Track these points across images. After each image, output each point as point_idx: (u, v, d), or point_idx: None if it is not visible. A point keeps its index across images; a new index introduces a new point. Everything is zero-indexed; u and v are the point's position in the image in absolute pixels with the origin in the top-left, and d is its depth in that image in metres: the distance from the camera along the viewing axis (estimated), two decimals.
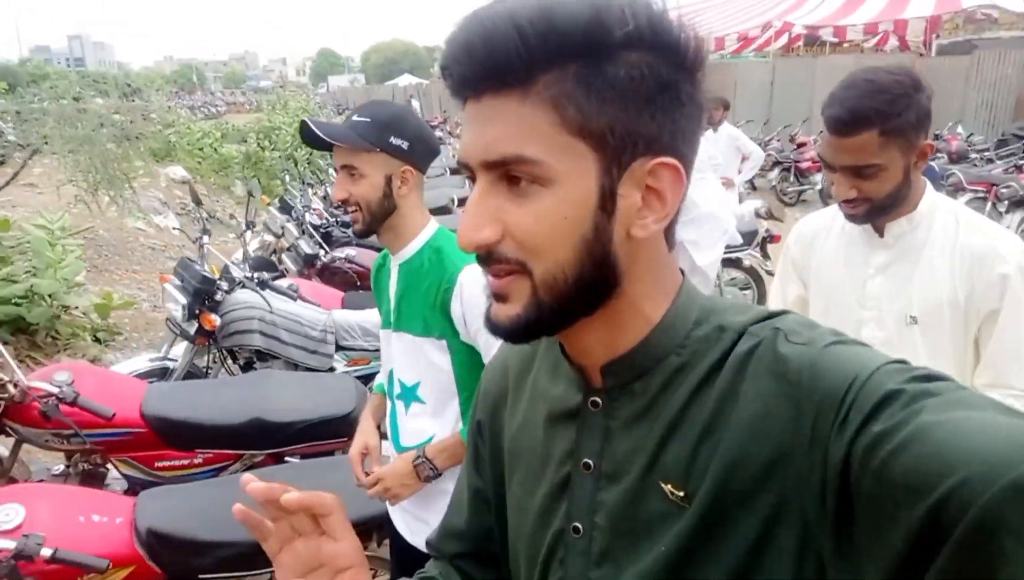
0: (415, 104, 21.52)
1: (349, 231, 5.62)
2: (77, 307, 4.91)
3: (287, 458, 2.76)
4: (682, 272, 0.70)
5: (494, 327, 0.64)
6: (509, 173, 0.59)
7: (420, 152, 1.64)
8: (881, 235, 1.60)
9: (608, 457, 0.68)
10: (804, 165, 11.00)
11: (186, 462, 2.68)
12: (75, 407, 2.41)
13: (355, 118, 1.60)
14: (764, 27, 19.31)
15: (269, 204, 6.41)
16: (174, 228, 8.01)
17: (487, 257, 0.62)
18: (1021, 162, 8.47)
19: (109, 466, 2.71)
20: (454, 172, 10.26)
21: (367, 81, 63.90)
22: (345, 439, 2.73)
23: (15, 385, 2.49)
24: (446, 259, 1.63)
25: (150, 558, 2.02)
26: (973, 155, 9.47)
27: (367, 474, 1.75)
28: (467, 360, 1.65)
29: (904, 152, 1.45)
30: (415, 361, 1.69)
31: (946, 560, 0.46)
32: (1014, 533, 0.43)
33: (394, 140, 1.59)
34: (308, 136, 1.58)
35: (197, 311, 3.37)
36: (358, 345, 3.63)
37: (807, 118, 13.29)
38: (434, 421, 1.69)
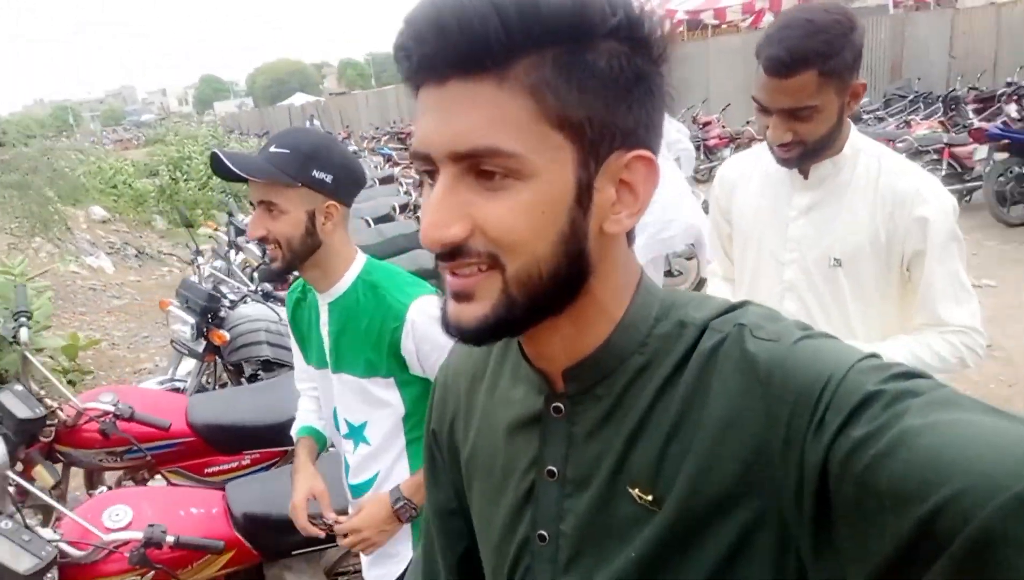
0: (316, 124, 21.37)
1: None
2: (43, 350, 4.85)
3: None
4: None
5: (456, 329, 0.61)
6: (480, 166, 0.55)
7: (345, 185, 1.52)
8: (806, 177, 1.60)
9: (573, 463, 0.67)
10: (712, 142, 11.65)
11: (235, 464, 2.82)
12: (132, 422, 2.53)
13: (272, 149, 1.47)
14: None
15: (216, 229, 6.42)
16: (107, 269, 7.89)
17: (451, 254, 0.58)
18: (909, 118, 9.37)
19: (158, 477, 2.83)
20: (383, 181, 10.39)
21: (256, 104, 62.43)
22: None
23: (63, 410, 2.59)
24: (388, 296, 1.54)
25: (247, 539, 2.19)
26: (865, 116, 10.34)
27: (318, 516, 1.69)
28: (417, 392, 1.59)
29: (839, 93, 1.44)
30: (361, 401, 1.62)
31: (943, 571, 0.45)
32: (1015, 546, 0.42)
33: (317, 173, 1.47)
34: (220, 169, 1.44)
35: (205, 329, 3.48)
36: None
37: (706, 98, 14.03)
38: (376, 461, 1.64)
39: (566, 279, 0.59)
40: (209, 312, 3.50)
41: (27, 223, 6.41)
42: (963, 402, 0.50)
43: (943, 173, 7.53)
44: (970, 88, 10.94)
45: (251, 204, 1.51)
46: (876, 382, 0.52)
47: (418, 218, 8.01)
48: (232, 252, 4.83)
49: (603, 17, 0.54)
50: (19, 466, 2.54)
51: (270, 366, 3.69)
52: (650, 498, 0.61)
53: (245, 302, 3.63)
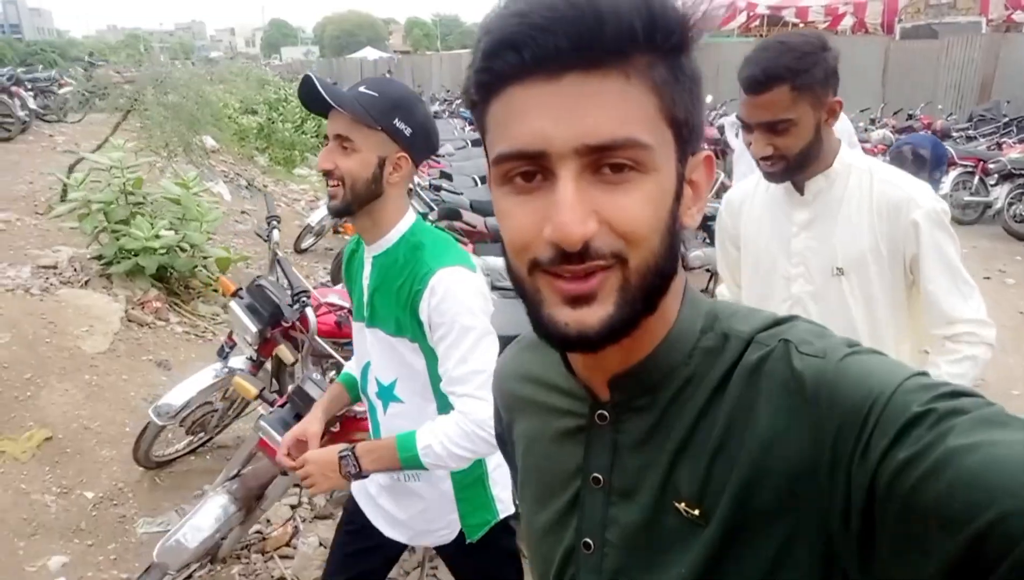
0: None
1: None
2: (209, 257, 5.43)
3: None
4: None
5: (578, 335, 0.58)
6: (611, 159, 0.55)
7: (420, 143, 1.55)
8: (802, 193, 1.68)
9: (618, 473, 0.68)
10: None
11: None
12: None
13: (362, 89, 1.51)
14: (732, 9, 20.09)
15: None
16: (225, 196, 8.48)
17: (578, 256, 0.56)
18: (1002, 141, 9.55)
19: None
20: (475, 143, 10.84)
21: (322, 53, 63.07)
22: None
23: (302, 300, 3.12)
24: (422, 258, 1.54)
25: None
26: (955, 134, 10.50)
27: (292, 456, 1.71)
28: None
29: (814, 107, 1.53)
30: (390, 359, 1.64)
31: None
32: None
33: (399, 123, 1.50)
34: (308, 96, 1.47)
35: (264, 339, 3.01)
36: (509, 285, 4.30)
37: None
38: (411, 422, 1.61)
39: (668, 274, 0.60)
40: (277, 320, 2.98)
41: (174, 142, 7.00)
42: (1010, 421, 0.50)
43: None
44: None
45: (325, 138, 1.54)
46: (923, 402, 0.53)
47: None
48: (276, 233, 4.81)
49: (690, 23, 0.57)
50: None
51: None
52: (697, 512, 0.62)
53: None
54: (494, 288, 4.28)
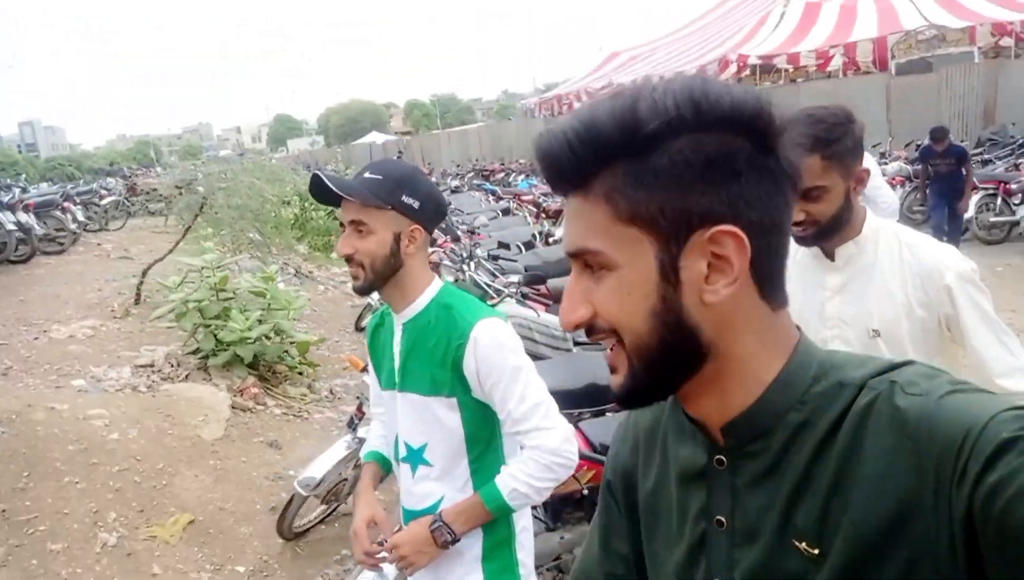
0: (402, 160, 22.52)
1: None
2: (295, 341, 5.75)
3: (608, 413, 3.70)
4: (798, 328, 0.73)
5: (615, 396, 0.71)
6: (585, 261, 0.68)
7: (430, 212, 1.65)
8: (832, 259, 1.74)
9: (740, 515, 0.71)
10: None
11: None
12: None
13: (367, 175, 1.61)
14: (722, 63, 20.71)
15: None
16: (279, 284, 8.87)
17: (588, 331, 0.70)
18: (1018, 161, 9.92)
19: None
20: (504, 213, 11.32)
21: (327, 142, 65.08)
22: None
23: None
24: (457, 314, 1.63)
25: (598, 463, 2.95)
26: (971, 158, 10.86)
27: (379, 543, 1.76)
28: (478, 417, 1.66)
29: (844, 176, 1.61)
30: (421, 422, 1.69)
31: None
32: None
33: (406, 198, 1.59)
34: (319, 190, 1.59)
35: None
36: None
37: None
38: (440, 484, 1.70)
39: (675, 348, 0.67)
40: None
41: (240, 239, 7.45)
42: None
43: None
44: None
45: (341, 225, 1.66)
46: (1013, 430, 0.55)
47: (548, 242, 8.85)
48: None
49: (653, 124, 0.63)
50: None
51: None
52: (816, 552, 0.65)
53: (508, 298, 4.44)
54: (575, 343, 4.58)
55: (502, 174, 19.72)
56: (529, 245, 8.63)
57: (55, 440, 4.01)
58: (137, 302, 7.36)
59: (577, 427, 3.10)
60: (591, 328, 0.69)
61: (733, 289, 0.66)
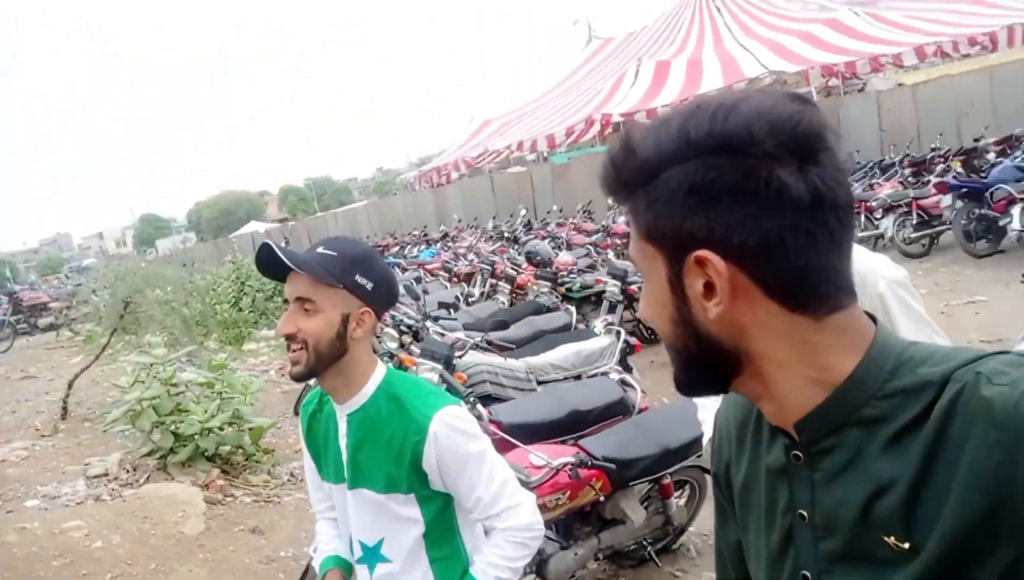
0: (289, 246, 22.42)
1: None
2: (252, 429, 5.75)
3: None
4: (874, 320, 0.75)
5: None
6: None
7: (382, 296, 1.57)
8: None
9: (819, 509, 0.73)
10: None
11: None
12: None
13: (320, 250, 1.52)
14: (587, 122, 22.09)
15: None
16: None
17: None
18: (872, 182, 11.36)
19: None
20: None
21: (201, 238, 63.10)
22: (620, 416, 4.03)
23: None
24: (410, 407, 1.55)
25: (606, 474, 3.26)
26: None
27: None
28: (437, 508, 1.60)
29: None
30: (377, 518, 1.61)
31: None
32: None
33: (360, 278, 1.51)
34: (267, 261, 1.48)
35: (449, 373, 4.51)
36: (551, 377, 4.92)
37: None
38: (404, 578, 1.62)
39: (700, 352, 0.74)
40: (449, 360, 4.47)
41: (173, 336, 7.37)
42: None
43: (914, 221, 9.24)
44: (905, 155, 13.00)
45: (285, 301, 1.55)
46: None
47: (468, 303, 9.14)
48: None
49: (677, 152, 0.69)
50: None
51: (487, 400, 4.75)
52: (907, 545, 0.66)
53: (474, 348, 4.72)
54: (540, 382, 4.90)
55: (396, 248, 20.00)
56: (455, 307, 8.93)
57: (37, 559, 3.90)
58: (64, 417, 7.08)
59: (578, 444, 3.42)
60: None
61: (721, 309, 0.70)
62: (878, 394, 0.69)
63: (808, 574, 0.75)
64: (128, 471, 5.35)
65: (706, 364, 0.74)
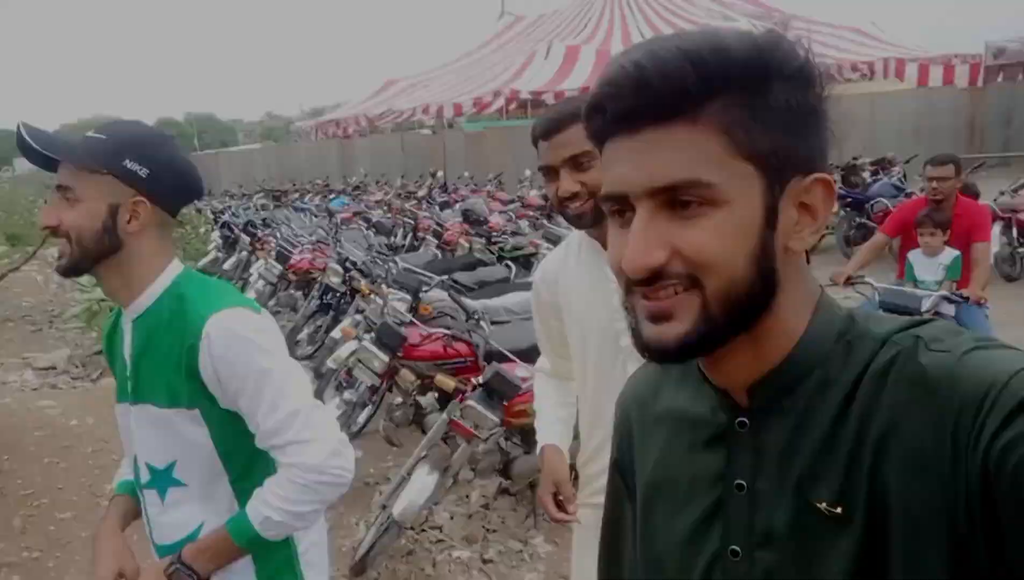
0: None
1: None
2: None
3: None
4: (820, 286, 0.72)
5: (657, 349, 0.67)
6: (678, 197, 0.64)
7: (165, 185, 1.38)
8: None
9: (763, 477, 0.70)
10: None
11: None
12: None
13: (89, 134, 1.38)
14: (495, 93, 22.60)
15: None
16: None
17: (649, 279, 0.65)
18: None
19: None
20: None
21: None
22: None
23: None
24: (190, 307, 1.36)
25: None
26: None
27: None
28: (232, 431, 1.39)
29: None
30: (163, 437, 1.42)
31: None
32: None
33: (130, 164, 1.34)
34: (28, 149, 1.32)
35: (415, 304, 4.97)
36: (504, 319, 5.46)
37: None
38: (204, 505, 1.44)
39: (760, 295, 0.66)
40: (417, 293, 5.04)
41: None
42: None
43: None
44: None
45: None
46: None
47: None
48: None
49: (780, 64, 0.64)
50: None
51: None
52: (839, 511, 0.64)
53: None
54: (493, 322, 5.47)
55: (296, 195, 19.80)
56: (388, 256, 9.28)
57: (19, 428, 4.10)
58: None
59: None
60: (656, 274, 0.65)
61: (815, 238, 0.68)
62: (827, 355, 0.69)
63: (738, 548, 0.71)
64: (77, 367, 5.49)
65: (753, 309, 0.67)
